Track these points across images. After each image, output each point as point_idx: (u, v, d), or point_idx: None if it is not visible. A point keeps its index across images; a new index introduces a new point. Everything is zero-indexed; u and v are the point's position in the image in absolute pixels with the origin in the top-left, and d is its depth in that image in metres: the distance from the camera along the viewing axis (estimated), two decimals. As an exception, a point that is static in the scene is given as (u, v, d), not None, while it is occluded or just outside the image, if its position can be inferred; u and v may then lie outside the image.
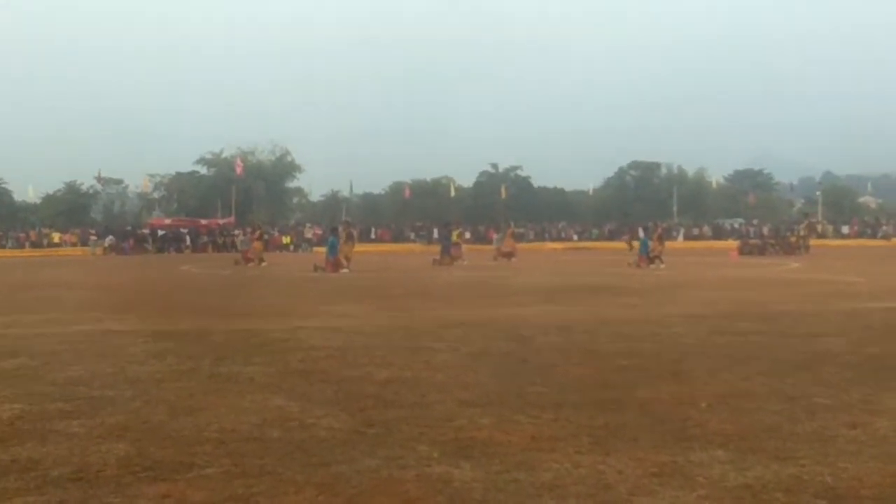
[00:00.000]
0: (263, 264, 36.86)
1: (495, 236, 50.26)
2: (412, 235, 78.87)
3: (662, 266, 31.30)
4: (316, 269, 30.58)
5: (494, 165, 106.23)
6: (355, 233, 31.79)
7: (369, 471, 4.90)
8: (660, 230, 35.88)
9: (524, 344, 10.22)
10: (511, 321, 12.80)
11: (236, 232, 71.74)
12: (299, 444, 5.49)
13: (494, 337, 10.90)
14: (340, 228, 34.45)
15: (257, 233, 41.30)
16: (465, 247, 41.31)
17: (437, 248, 41.41)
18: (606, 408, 6.46)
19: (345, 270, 29.59)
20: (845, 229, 78.84)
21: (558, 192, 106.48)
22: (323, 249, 35.88)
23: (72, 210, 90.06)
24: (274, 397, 6.98)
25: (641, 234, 39.79)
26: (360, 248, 33.00)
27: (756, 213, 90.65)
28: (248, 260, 38.50)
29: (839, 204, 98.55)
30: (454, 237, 39.71)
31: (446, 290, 20.67)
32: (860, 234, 76.09)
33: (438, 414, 6.32)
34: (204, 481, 4.77)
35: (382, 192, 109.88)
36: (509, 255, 41.06)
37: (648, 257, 32.69)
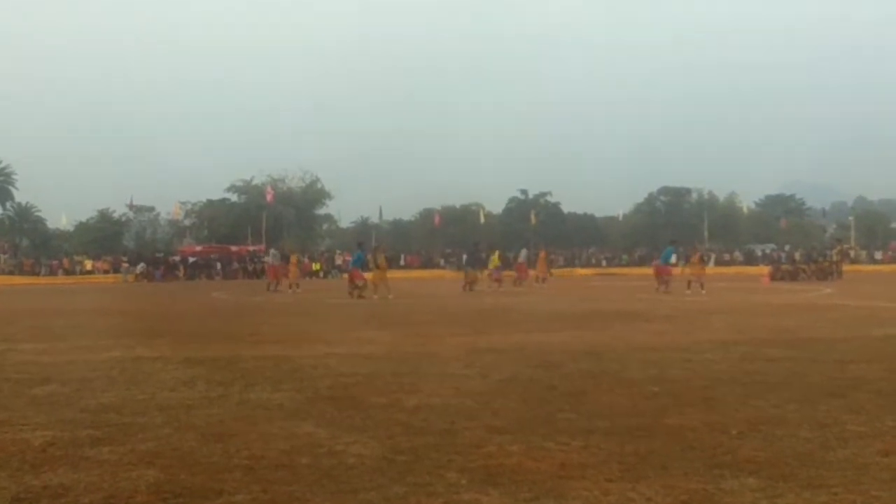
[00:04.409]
0: (298, 290, 37.20)
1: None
2: (442, 262, 79.01)
3: (703, 292, 30.92)
4: (351, 293, 30.69)
5: (524, 191, 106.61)
6: (380, 259, 31.87)
7: (398, 498, 4.89)
8: (699, 254, 35.57)
9: (553, 370, 10.17)
10: (540, 347, 12.75)
11: (266, 259, 72.39)
12: (328, 470, 5.49)
13: (524, 363, 10.85)
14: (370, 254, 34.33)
15: (293, 257, 41.89)
16: (505, 273, 40.96)
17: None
18: (636, 435, 6.42)
19: (375, 296, 29.60)
20: (878, 255, 78.31)
21: (588, 218, 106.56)
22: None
23: (104, 237, 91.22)
24: (303, 424, 6.99)
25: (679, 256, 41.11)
26: (389, 274, 32.95)
27: (788, 238, 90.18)
28: (275, 278, 39.27)
29: (872, 229, 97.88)
30: (495, 260, 39.35)
31: (476, 316, 20.62)
32: (893, 260, 75.45)
33: (467, 441, 6.31)
34: (233, 508, 4.79)
35: (412, 219, 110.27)
36: (541, 279, 41.16)
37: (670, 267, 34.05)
